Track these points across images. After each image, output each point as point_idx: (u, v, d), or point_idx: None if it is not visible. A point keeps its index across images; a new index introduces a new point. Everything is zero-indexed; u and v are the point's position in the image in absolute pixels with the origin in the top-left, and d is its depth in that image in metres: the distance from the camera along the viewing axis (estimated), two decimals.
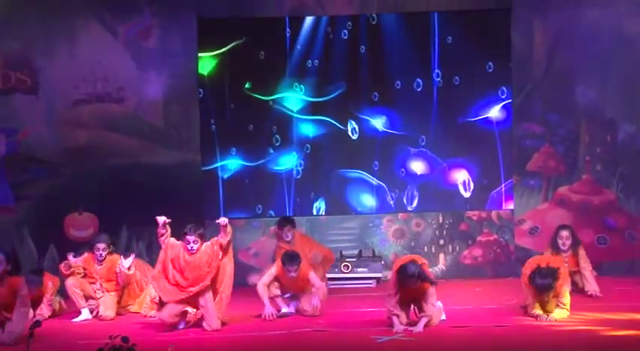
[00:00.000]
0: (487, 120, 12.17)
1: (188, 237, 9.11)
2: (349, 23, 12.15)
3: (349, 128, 12.25)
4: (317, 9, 12.13)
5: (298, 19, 12.16)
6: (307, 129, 12.25)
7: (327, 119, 12.22)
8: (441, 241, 12.21)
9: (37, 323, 7.77)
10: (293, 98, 12.22)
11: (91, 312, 9.96)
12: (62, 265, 10.01)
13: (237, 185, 12.22)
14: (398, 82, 12.20)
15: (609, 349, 8.04)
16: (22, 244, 11.91)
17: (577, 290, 10.21)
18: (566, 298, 9.22)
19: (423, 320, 8.79)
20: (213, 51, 12.18)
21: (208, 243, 9.22)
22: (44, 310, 9.91)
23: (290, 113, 12.23)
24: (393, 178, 12.25)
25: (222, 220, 9.15)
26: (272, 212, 12.22)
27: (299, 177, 12.26)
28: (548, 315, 9.12)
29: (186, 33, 12.03)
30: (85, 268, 10.00)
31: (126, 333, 7.08)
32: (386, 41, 12.19)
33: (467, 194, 12.25)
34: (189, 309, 9.21)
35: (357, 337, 8.75)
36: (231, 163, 12.23)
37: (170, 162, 12.05)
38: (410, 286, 8.69)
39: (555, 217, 12.05)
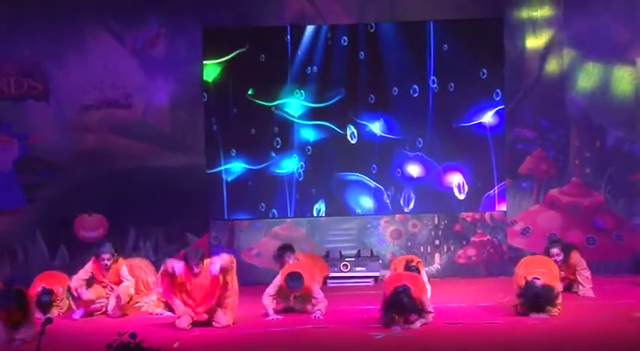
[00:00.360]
0: (481, 125, 12.19)
1: (190, 263, 9.06)
2: (348, 32, 12.17)
3: (348, 133, 12.27)
4: (317, 18, 12.16)
5: (299, 28, 12.18)
6: (308, 133, 12.28)
7: (327, 124, 12.25)
8: (437, 242, 12.23)
9: (49, 320, 7.80)
10: (294, 104, 12.25)
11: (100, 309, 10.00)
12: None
13: (240, 187, 12.24)
14: (395, 88, 12.22)
15: (601, 344, 8.07)
16: (33, 245, 11.92)
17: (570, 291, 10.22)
18: (558, 299, 9.22)
19: (421, 320, 8.81)
20: (217, 59, 12.21)
21: (208, 260, 9.20)
22: (55, 311, 9.96)
23: (291, 118, 12.26)
24: (390, 181, 12.27)
25: (214, 269, 9.08)
26: (275, 211, 12.24)
27: (300, 180, 12.27)
28: (537, 313, 9.14)
29: (191, 41, 12.05)
30: (93, 274, 10.00)
31: (133, 329, 7.12)
32: (384, 49, 12.21)
33: (461, 196, 12.27)
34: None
35: (356, 333, 8.76)
36: (235, 167, 12.26)
37: (176, 165, 12.06)
38: (401, 313, 8.72)
39: (546, 218, 12.09)
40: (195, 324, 9.23)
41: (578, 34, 11.99)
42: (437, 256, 12.20)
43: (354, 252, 11.98)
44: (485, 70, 12.10)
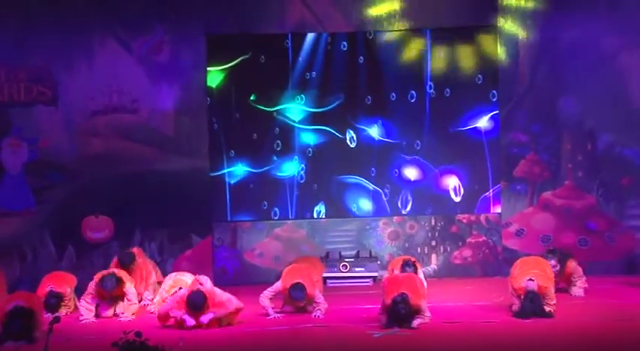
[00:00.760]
0: (476, 129, 12.15)
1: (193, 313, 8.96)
2: (347, 39, 12.13)
3: (347, 137, 12.23)
4: (317, 26, 12.12)
5: (300, 36, 12.15)
6: (308, 138, 12.24)
7: (327, 129, 12.21)
8: (433, 243, 12.19)
9: (57, 319, 7.74)
10: (295, 109, 12.20)
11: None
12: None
13: (243, 190, 12.19)
14: (393, 93, 12.18)
15: (594, 343, 8.02)
16: (42, 245, 11.87)
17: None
18: (553, 299, 9.17)
19: (419, 320, 8.76)
20: (220, 65, 12.17)
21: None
22: (63, 311, 9.89)
23: (292, 123, 12.21)
24: (388, 184, 12.22)
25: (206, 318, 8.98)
26: (277, 209, 12.17)
27: (301, 182, 12.22)
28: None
29: (195, 49, 12.02)
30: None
31: (138, 328, 7.06)
32: (382, 55, 12.18)
33: (457, 199, 12.23)
34: None
35: (355, 332, 8.72)
36: (238, 170, 12.21)
37: (180, 168, 12.01)
38: (400, 321, 8.67)
39: (540, 220, 12.07)
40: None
41: (568, 42, 11.94)
42: (434, 256, 12.15)
43: (354, 253, 11.94)
44: (480, 76, 12.06)
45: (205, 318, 8.91)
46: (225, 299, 9.04)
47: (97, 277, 9.67)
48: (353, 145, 12.22)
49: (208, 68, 12.10)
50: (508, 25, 11.98)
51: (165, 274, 10.93)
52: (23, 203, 11.90)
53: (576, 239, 11.99)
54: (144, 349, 6.64)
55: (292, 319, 9.35)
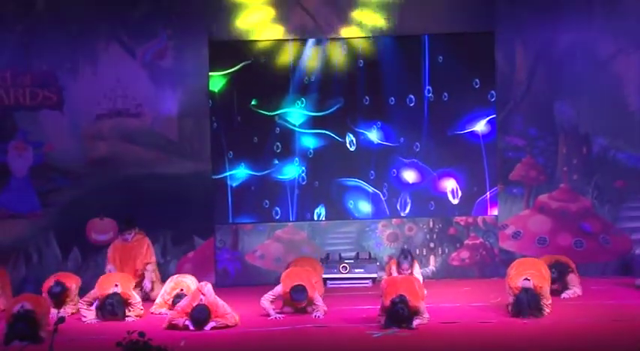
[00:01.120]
0: (473, 133, 12.13)
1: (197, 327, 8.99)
2: (347, 44, 12.12)
3: (347, 140, 12.21)
4: (317, 32, 12.11)
5: (300, 42, 12.13)
6: (308, 141, 12.22)
7: (327, 132, 12.19)
8: (432, 244, 12.16)
9: (62, 319, 7.74)
10: (295, 113, 12.19)
11: None
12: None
13: (244, 193, 12.17)
14: (392, 97, 12.16)
15: (590, 343, 8.00)
16: (47, 247, 11.85)
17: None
18: (548, 299, 9.16)
19: (417, 320, 8.73)
20: (223, 71, 12.16)
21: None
22: (68, 309, 9.86)
23: (292, 127, 12.19)
24: (387, 186, 12.19)
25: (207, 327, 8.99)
26: (278, 209, 12.14)
27: (301, 185, 12.20)
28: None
29: (198, 54, 12.01)
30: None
31: (142, 328, 7.05)
32: (381, 61, 12.17)
33: (455, 201, 12.20)
34: None
35: (354, 332, 8.71)
36: (239, 173, 12.19)
37: (183, 171, 12.00)
38: (398, 321, 8.64)
39: (536, 222, 12.04)
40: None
41: (564, 47, 11.93)
42: (432, 258, 12.12)
43: (353, 254, 11.91)
44: (477, 81, 12.04)
45: (207, 327, 8.95)
46: (227, 313, 9.04)
47: (101, 292, 9.60)
48: (352, 149, 12.20)
49: (211, 73, 12.09)
50: (505, 31, 11.95)
51: (167, 275, 10.93)
52: (29, 206, 11.89)
53: (572, 241, 11.97)
54: (147, 348, 6.64)
55: (293, 319, 9.34)
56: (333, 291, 11.02)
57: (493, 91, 12.02)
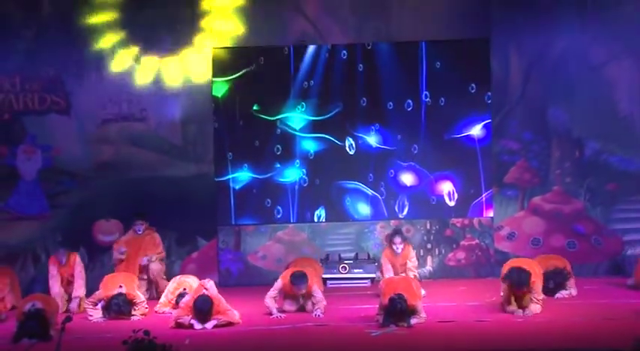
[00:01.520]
0: (469, 137, 12.15)
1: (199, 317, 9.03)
2: (346, 50, 12.15)
3: (346, 144, 12.23)
4: (317, 39, 12.14)
5: (301, 48, 12.15)
6: (309, 145, 12.24)
7: (327, 136, 12.21)
8: (429, 245, 12.17)
9: (69, 319, 7.76)
10: (296, 118, 12.21)
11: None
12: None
13: (246, 195, 12.19)
14: (390, 102, 12.18)
15: (583, 340, 8.01)
16: (55, 248, 11.83)
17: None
18: (540, 294, 9.20)
19: (414, 319, 8.76)
20: (225, 77, 12.18)
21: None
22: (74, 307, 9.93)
23: (293, 132, 12.21)
24: (385, 189, 12.21)
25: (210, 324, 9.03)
26: (279, 208, 12.16)
27: (302, 188, 12.22)
28: (523, 310, 9.11)
29: (201, 60, 12.02)
30: None
31: (147, 327, 7.07)
32: (379, 66, 12.18)
33: (451, 203, 12.21)
34: None
35: (353, 331, 8.74)
36: (242, 175, 12.21)
37: (187, 174, 12.02)
38: (396, 317, 8.68)
39: (530, 224, 12.06)
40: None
41: (558, 53, 11.95)
42: (429, 259, 12.14)
43: (352, 255, 11.92)
44: (473, 86, 12.06)
45: (210, 324, 8.96)
46: (228, 309, 9.07)
47: (106, 293, 9.63)
48: (352, 152, 12.22)
49: (214, 79, 12.11)
50: (500, 37, 11.97)
51: (171, 274, 10.96)
52: (38, 208, 11.91)
53: (565, 242, 11.99)
54: (152, 347, 6.66)
55: (294, 318, 9.36)
56: (332, 291, 11.04)
57: (489, 96, 12.05)
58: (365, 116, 12.19)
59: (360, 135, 12.22)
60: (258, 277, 11.82)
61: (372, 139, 12.23)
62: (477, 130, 12.15)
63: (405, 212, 12.23)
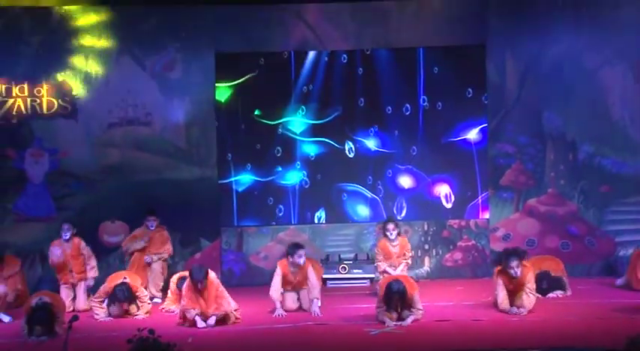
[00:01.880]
0: (466, 141, 12.17)
1: (195, 280, 9.10)
2: (346, 56, 12.18)
3: (346, 148, 12.25)
4: (318, 45, 12.17)
5: (302, 54, 12.19)
6: (309, 149, 12.26)
7: (327, 140, 12.23)
8: (426, 246, 12.20)
9: (75, 318, 7.79)
10: (297, 122, 12.23)
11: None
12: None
13: (249, 197, 12.22)
14: (389, 107, 12.20)
15: (577, 338, 8.04)
16: None
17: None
18: (533, 284, 9.22)
19: (412, 317, 8.78)
20: (228, 82, 12.21)
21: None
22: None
23: (294, 136, 12.24)
24: (384, 191, 12.24)
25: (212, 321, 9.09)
26: (281, 208, 12.17)
27: (302, 190, 12.24)
28: (518, 309, 9.13)
29: (205, 66, 12.06)
30: None
31: (151, 326, 7.09)
32: (378, 71, 12.20)
33: (448, 205, 12.24)
34: None
35: (353, 329, 8.75)
36: (244, 178, 12.23)
37: (191, 177, 12.05)
38: (395, 300, 8.71)
39: (525, 225, 12.09)
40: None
41: (552, 59, 11.98)
42: (426, 259, 12.16)
43: (352, 255, 11.95)
44: (470, 90, 12.09)
45: (212, 320, 9.00)
46: (224, 297, 9.11)
47: (110, 285, 9.67)
48: (351, 156, 12.25)
49: (217, 84, 12.15)
50: (496, 43, 12.00)
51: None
52: (45, 210, 11.93)
53: (559, 243, 12.02)
54: (156, 345, 6.67)
55: (295, 317, 9.38)
56: (332, 290, 11.06)
57: (485, 101, 12.08)
58: (364, 120, 12.22)
59: (359, 138, 12.24)
60: (259, 277, 11.84)
61: (371, 143, 12.25)
62: (473, 134, 12.18)
63: (404, 214, 12.25)
